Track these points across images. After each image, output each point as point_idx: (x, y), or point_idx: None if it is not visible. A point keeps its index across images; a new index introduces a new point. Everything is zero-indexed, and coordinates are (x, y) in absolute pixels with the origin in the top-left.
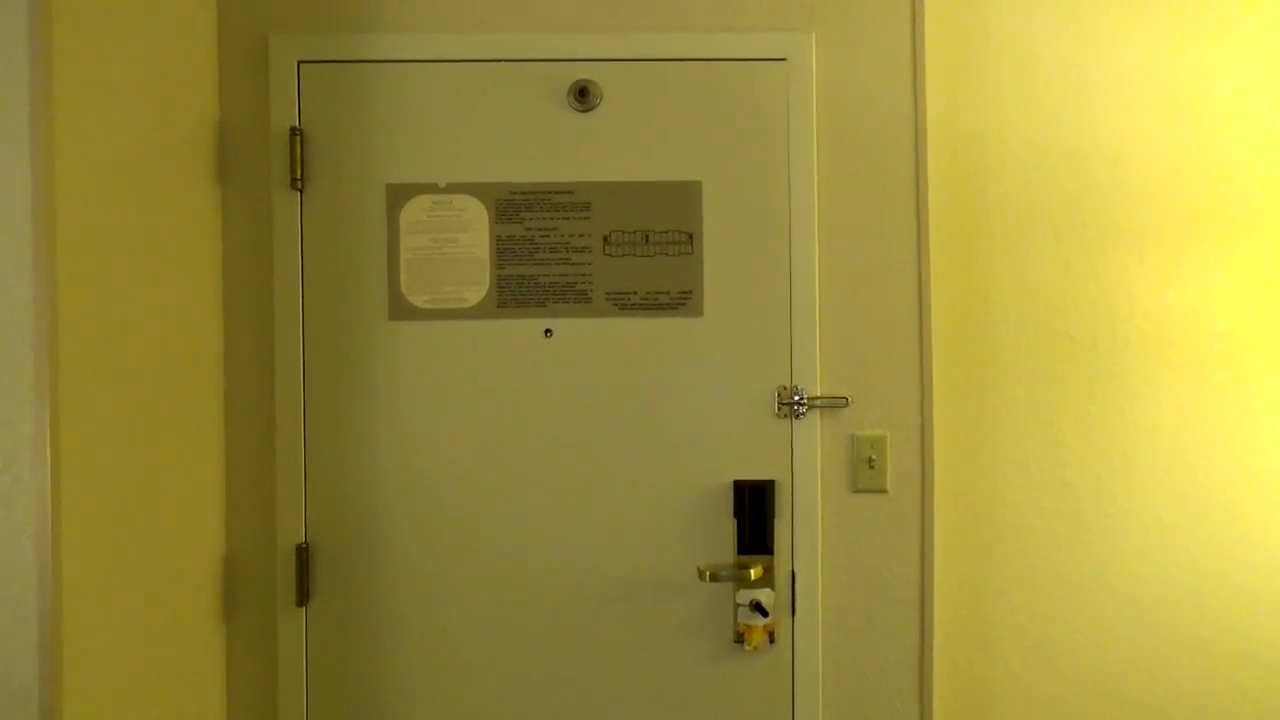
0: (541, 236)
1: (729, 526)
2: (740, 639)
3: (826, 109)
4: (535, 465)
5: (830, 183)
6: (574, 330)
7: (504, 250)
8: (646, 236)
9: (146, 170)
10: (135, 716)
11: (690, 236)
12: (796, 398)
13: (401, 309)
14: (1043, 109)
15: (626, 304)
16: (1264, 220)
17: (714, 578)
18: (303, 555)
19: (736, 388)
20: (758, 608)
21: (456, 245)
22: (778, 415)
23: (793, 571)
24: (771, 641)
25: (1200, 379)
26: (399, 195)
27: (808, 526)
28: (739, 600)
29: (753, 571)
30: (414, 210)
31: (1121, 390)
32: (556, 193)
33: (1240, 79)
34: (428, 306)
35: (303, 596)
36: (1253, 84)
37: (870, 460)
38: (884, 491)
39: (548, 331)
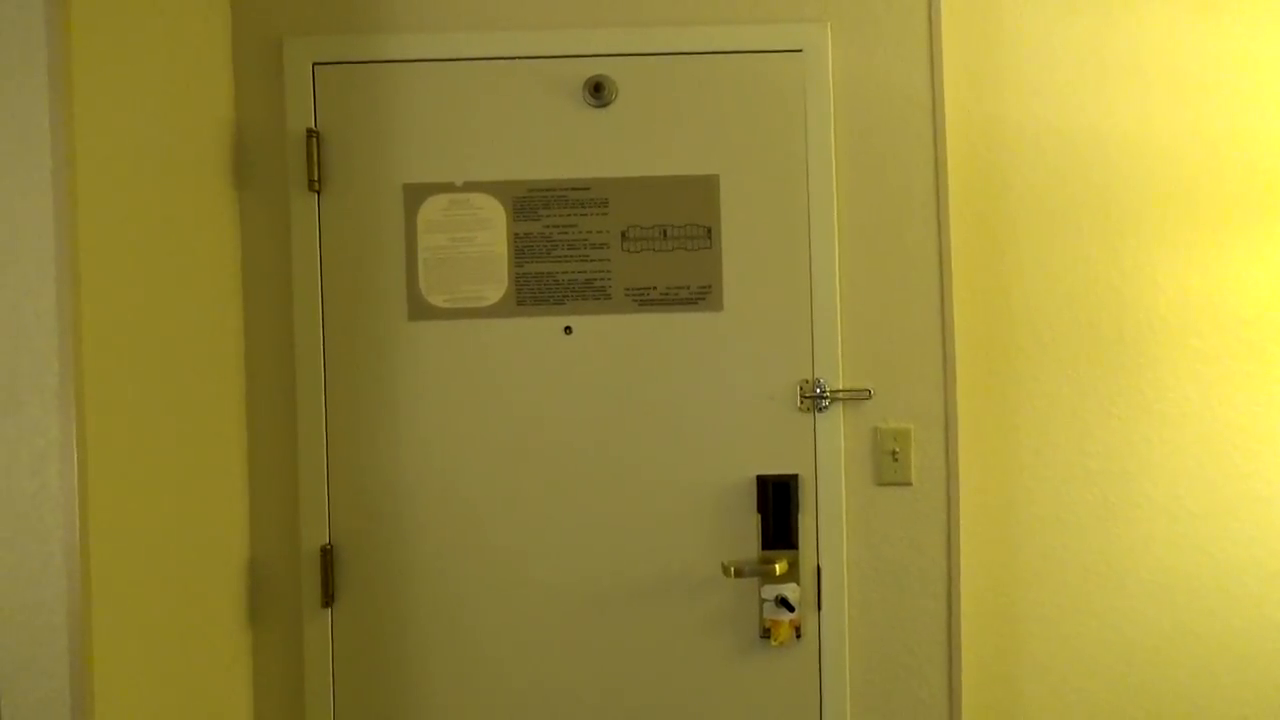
0: (559, 233)
1: (753, 522)
2: (766, 634)
3: (843, 100)
4: (557, 463)
5: (849, 174)
6: (594, 327)
7: (522, 248)
8: (665, 231)
9: (165, 175)
10: (165, 717)
11: (708, 230)
12: (819, 391)
13: (420, 309)
14: (1062, 95)
15: (646, 299)
16: None
17: (739, 573)
18: (327, 557)
19: (758, 382)
20: (783, 603)
21: (474, 244)
22: (800, 409)
23: (818, 566)
24: (798, 636)
25: (1225, 367)
26: (416, 195)
27: (832, 520)
28: (764, 596)
29: (778, 567)
30: (431, 210)
31: (1146, 379)
32: (574, 189)
33: (1263, 62)
34: (447, 306)
35: (328, 598)
36: (1275, 68)
37: (894, 453)
38: (908, 484)
39: (567, 329)
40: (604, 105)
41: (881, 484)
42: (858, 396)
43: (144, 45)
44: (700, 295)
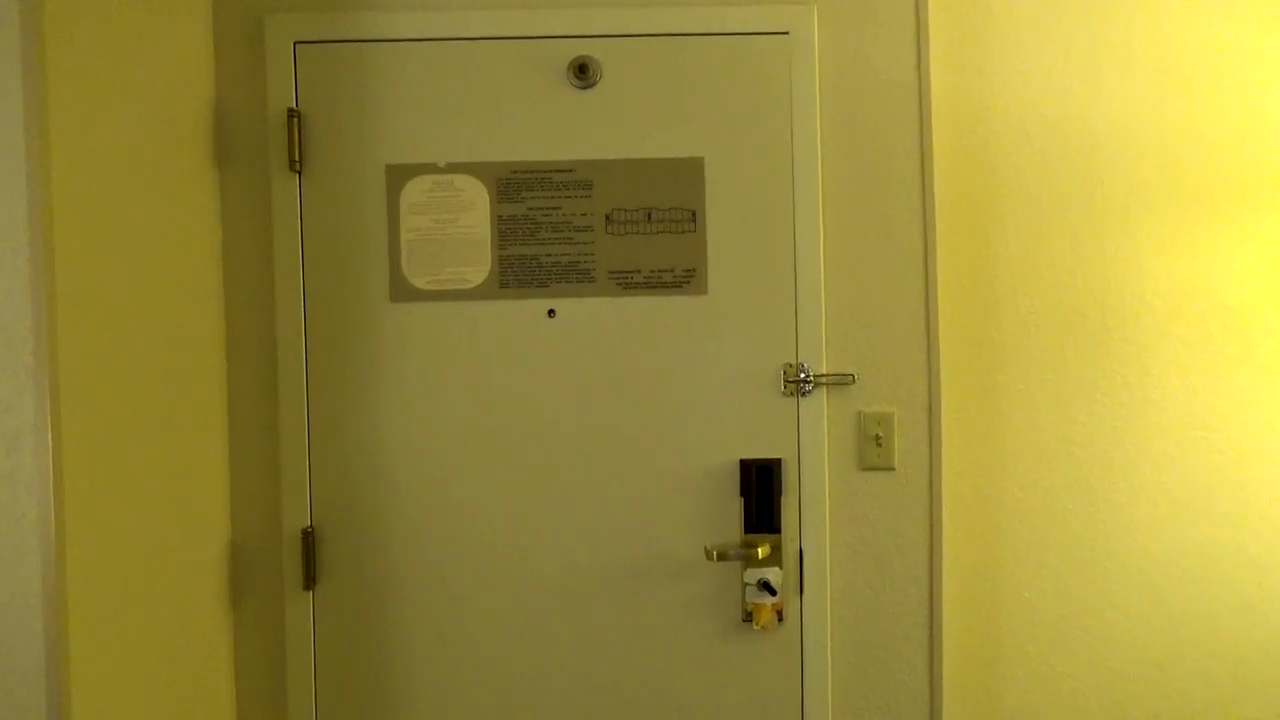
0: (543, 216)
1: (736, 506)
2: (749, 618)
3: (829, 83)
4: (540, 447)
5: (834, 158)
6: (577, 310)
7: (505, 230)
8: (649, 214)
9: (143, 154)
10: (144, 701)
11: (693, 214)
12: (802, 375)
13: (403, 291)
14: (1050, 81)
15: (630, 283)
16: (1274, 193)
17: (721, 557)
18: (309, 539)
19: (742, 366)
20: (765, 586)
21: (457, 226)
22: (784, 393)
23: (800, 550)
24: (780, 620)
25: (1209, 353)
26: (399, 176)
27: (815, 505)
28: (747, 579)
29: (760, 550)
30: (414, 191)
31: (1130, 365)
32: (557, 171)
33: (1251, 50)
34: (429, 288)
35: (309, 581)
36: (1263, 55)
37: (877, 438)
38: (891, 469)
39: (551, 312)
40: (588, 86)
41: (864, 469)
42: (841, 381)
43: (122, 21)
44: (685, 279)
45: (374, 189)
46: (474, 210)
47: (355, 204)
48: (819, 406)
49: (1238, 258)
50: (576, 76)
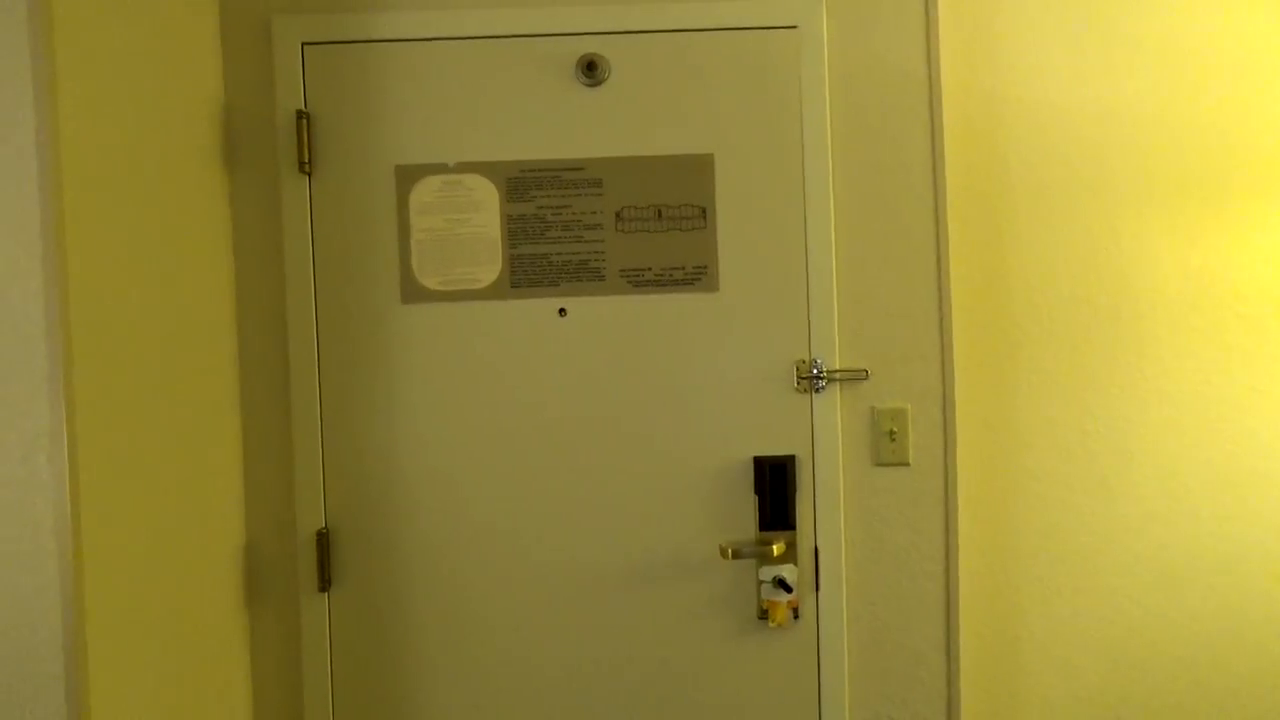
0: (553, 215)
1: (750, 503)
2: (764, 615)
3: (839, 76)
4: (553, 446)
5: (844, 151)
6: (588, 309)
7: (515, 229)
8: (659, 211)
9: (153, 157)
10: (162, 703)
11: (703, 210)
12: (815, 371)
13: (414, 291)
14: (1062, 70)
15: (641, 281)
16: None
17: (736, 555)
18: (323, 541)
19: (754, 362)
20: (781, 584)
21: (468, 225)
22: (797, 389)
23: (815, 547)
24: (796, 617)
25: (1225, 344)
26: (408, 176)
27: (829, 501)
28: (762, 577)
29: (775, 548)
30: (424, 191)
31: (1144, 356)
32: (567, 169)
33: (1265, 40)
34: (440, 288)
35: (324, 582)
36: (1278, 44)
37: (891, 433)
38: (906, 464)
39: (562, 311)
40: (597, 84)
41: (879, 464)
42: (855, 376)
43: (129, 25)
44: (696, 276)
45: (384, 190)
46: (484, 210)
47: (365, 205)
48: (832, 403)
49: (1253, 248)
50: (585, 74)
